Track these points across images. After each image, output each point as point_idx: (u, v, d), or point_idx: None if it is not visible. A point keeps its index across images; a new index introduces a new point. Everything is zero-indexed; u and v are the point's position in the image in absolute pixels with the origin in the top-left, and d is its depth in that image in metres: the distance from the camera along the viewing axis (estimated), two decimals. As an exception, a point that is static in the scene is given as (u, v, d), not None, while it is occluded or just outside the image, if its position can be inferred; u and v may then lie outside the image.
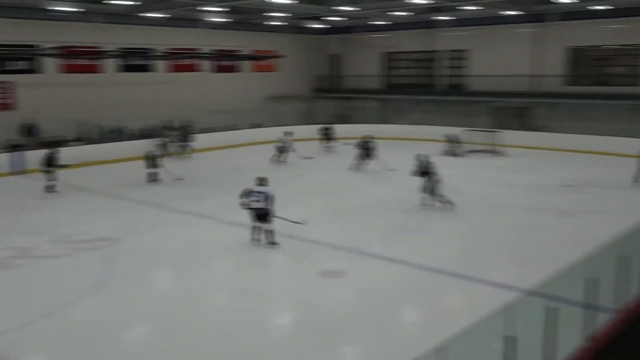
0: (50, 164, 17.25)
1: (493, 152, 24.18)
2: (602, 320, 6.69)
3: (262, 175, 12.25)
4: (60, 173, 17.43)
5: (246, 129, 28.39)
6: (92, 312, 9.10)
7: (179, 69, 27.68)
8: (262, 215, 11.72)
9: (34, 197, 16.66)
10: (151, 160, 18.52)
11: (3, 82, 22.20)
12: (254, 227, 11.93)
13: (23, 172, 19.85)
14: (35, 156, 18.41)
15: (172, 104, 26.65)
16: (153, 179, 18.48)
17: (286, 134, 22.73)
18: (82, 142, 22.80)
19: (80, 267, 10.88)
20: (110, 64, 25.31)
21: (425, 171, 15.11)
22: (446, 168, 19.16)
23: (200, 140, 24.62)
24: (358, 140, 21.25)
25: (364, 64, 34.57)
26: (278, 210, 11.90)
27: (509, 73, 28.08)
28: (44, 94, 23.49)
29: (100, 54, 24.57)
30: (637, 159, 18.12)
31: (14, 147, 20.91)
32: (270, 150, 22.40)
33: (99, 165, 20.96)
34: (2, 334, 8.11)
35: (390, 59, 34.72)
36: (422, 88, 32.40)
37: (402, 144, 25.28)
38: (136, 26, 26.31)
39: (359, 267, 10.83)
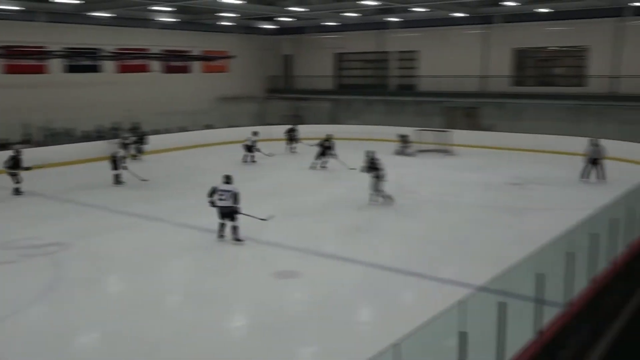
0: (15, 165, 16.84)
1: (443, 152, 24.60)
2: (551, 314, 6.89)
3: (227, 174, 12.35)
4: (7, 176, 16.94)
5: (199, 130, 28.13)
6: (40, 319, 8.85)
7: (128, 69, 27.18)
8: (228, 213, 11.94)
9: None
10: (116, 162, 18.23)
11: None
12: (221, 224, 12.13)
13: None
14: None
15: (122, 105, 26.09)
16: (119, 180, 18.21)
17: (254, 133, 22.81)
18: (28, 145, 22.09)
19: (28, 274, 10.56)
20: (55, 64, 24.64)
21: (370, 166, 15.43)
22: (398, 167, 19.39)
23: (153, 142, 24.24)
24: (319, 140, 21.44)
25: (316, 65, 34.67)
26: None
27: (458, 74, 28.65)
28: (-16, 95, 22.73)
29: (44, 54, 23.87)
30: (583, 157, 18.76)
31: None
32: (224, 151, 22.23)
33: (49, 168, 20.34)
34: (-55, 345, 7.80)
35: (342, 59, 34.94)
36: (374, 88, 32.77)
37: (359, 144, 25.38)
38: (82, 25, 25.64)
39: (314, 267, 10.87)
